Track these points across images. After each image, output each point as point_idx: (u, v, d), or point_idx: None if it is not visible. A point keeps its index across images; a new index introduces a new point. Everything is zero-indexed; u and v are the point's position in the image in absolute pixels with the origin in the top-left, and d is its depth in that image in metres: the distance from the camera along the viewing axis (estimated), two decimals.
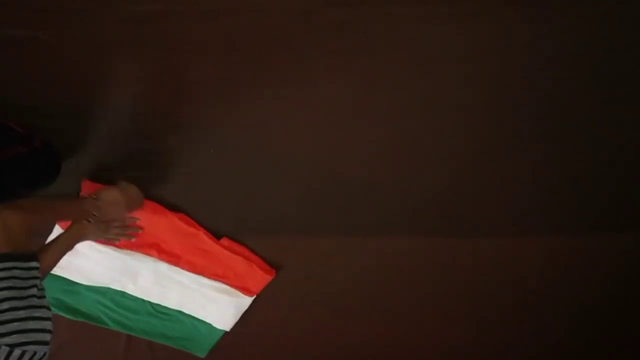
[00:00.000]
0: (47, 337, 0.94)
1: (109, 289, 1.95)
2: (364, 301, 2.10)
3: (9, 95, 1.61)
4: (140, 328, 2.02)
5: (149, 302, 1.98)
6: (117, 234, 1.78)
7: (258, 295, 1.98)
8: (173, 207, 1.83)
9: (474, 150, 1.82)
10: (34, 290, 0.98)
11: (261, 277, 1.94)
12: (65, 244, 1.51)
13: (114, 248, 1.84)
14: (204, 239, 1.86)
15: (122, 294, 1.96)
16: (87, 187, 1.76)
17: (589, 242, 2.02)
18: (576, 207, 1.95)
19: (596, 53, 1.66)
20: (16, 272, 0.99)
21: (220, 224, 1.87)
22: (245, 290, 1.96)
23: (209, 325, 2.02)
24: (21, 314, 0.94)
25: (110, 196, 1.55)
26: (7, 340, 0.91)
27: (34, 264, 1.01)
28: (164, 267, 1.90)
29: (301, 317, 2.12)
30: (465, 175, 1.87)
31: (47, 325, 0.95)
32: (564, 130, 1.80)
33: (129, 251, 1.86)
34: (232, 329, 2.04)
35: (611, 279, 2.13)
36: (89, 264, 1.87)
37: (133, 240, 1.82)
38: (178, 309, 2.00)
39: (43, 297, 0.99)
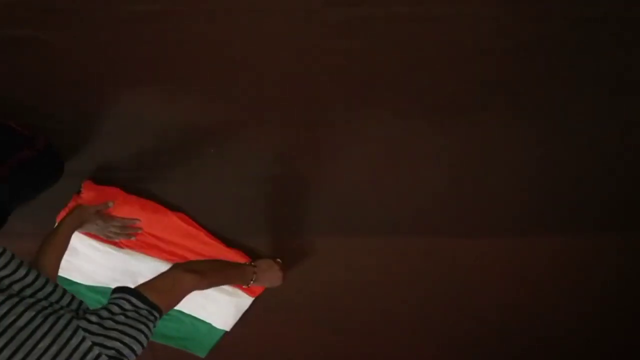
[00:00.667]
0: None
1: (109, 288, 1.94)
2: (364, 301, 2.10)
3: (9, 95, 1.61)
4: None
5: None
6: (116, 233, 1.79)
7: (258, 295, 1.98)
8: (173, 207, 1.83)
9: (474, 149, 1.82)
10: (144, 328, 1.12)
11: None
12: (65, 232, 1.59)
13: (114, 248, 1.84)
14: (204, 239, 1.86)
15: None
16: (87, 188, 1.76)
17: (589, 242, 2.02)
18: (576, 207, 1.95)
19: (596, 54, 1.65)
20: (141, 311, 1.15)
21: (220, 224, 1.87)
22: (246, 290, 1.96)
23: (209, 325, 2.02)
24: (126, 339, 1.08)
25: (266, 265, 1.77)
26: (108, 352, 1.05)
27: (155, 313, 1.17)
28: (164, 267, 1.89)
29: (301, 317, 2.13)
30: (465, 175, 1.87)
31: (133, 359, 1.10)
32: (564, 130, 1.80)
33: (129, 251, 1.86)
34: (232, 329, 2.04)
35: (611, 279, 2.13)
36: (89, 264, 1.87)
37: (133, 239, 1.82)
38: (178, 308, 1.99)
39: (148, 337, 1.13)
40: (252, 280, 1.69)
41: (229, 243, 1.90)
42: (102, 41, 1.58)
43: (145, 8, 1.52)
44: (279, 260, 1.82)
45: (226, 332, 2.04)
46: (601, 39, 1.62)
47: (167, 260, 1.89)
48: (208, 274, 1.45)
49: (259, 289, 1.96)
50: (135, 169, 1.79)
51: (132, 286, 1.92)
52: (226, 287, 1.94)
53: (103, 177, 1.77)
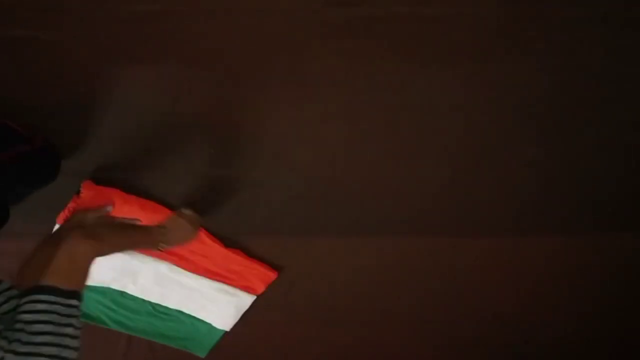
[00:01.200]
0: None
1: (109, 288, 1.95)
2: (364, 301, 2.11)
3: (9, 95, 1.61)
4: (140, 328, 2.02)
5: (149, 302, 1.98)
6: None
7: (258, 295, 1.98)
8: (173, 207, 1.83)
9: (474, 149, 1.82)
10: (69, 330, 0.98)
11: (264, 275, 1.94)
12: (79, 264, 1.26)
13: None
14: (204, 239, 1.86)
15: (123, 293, 1.96)
16: (87, 188, 1.75)
17: (589, 242, 2.02)
18: (576, 207, 1.95)
19: (596, 54, 1.66)
20: (57, 308, 0.98)
21: (221, 224, 1.87)
22: (248, 289, 1.96)
23: (209, 325, 2.03)
24: (53, 350, 0.94)
25: (174, 223, 1.61)
26: None
27: (74, 302, 1.00)
28: (164, 267, 1.90)
29: (301, 317, 2.13)
30: (465, 175, 1.87)
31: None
32: (564, 130, 1.80)
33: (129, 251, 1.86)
34: (232, 329, 2.04)
35: (611, 279, 2.13)
36: None
37: None
38: (178, 309, 2.00)
39: (76, 337, 0.99)
40: (161, 242, 1.52)
41: (228, 243, 1.90)
42: (102, 41, 1.58)
43: (145, 8, 1.51)
44: (188, 211, 1.65)
45: (226, 332, 2.05)
46: (601, 39, 1.62)
47: (166, 260, 1.89)
48: (107, 238, 1.24)
49: (259, 287, 1.96)
50: (135, 169, 1.79)
51: (133, 286, 1.94)
52: (226, 287, 1.94)
53: (103, 177, 1.77)
